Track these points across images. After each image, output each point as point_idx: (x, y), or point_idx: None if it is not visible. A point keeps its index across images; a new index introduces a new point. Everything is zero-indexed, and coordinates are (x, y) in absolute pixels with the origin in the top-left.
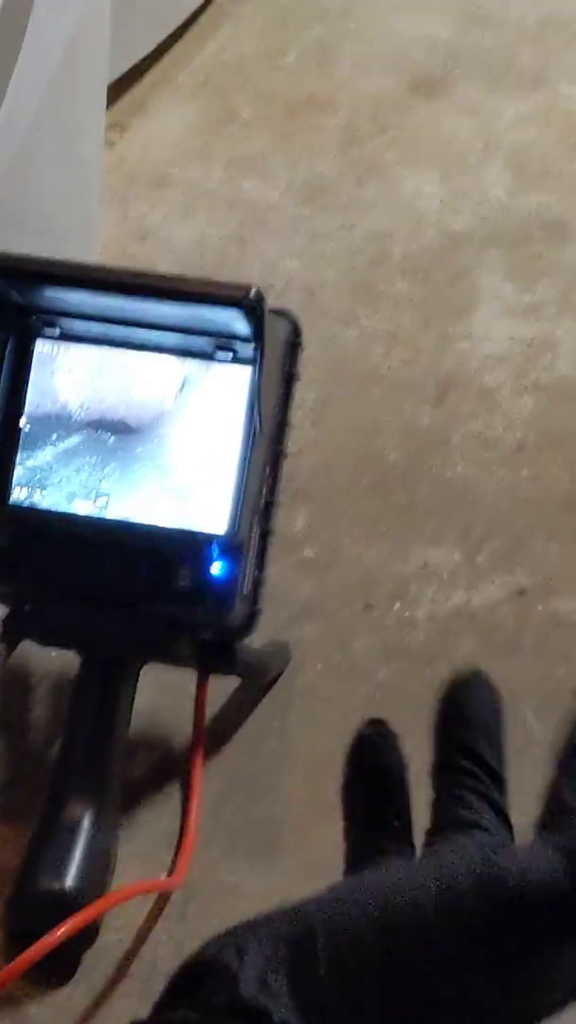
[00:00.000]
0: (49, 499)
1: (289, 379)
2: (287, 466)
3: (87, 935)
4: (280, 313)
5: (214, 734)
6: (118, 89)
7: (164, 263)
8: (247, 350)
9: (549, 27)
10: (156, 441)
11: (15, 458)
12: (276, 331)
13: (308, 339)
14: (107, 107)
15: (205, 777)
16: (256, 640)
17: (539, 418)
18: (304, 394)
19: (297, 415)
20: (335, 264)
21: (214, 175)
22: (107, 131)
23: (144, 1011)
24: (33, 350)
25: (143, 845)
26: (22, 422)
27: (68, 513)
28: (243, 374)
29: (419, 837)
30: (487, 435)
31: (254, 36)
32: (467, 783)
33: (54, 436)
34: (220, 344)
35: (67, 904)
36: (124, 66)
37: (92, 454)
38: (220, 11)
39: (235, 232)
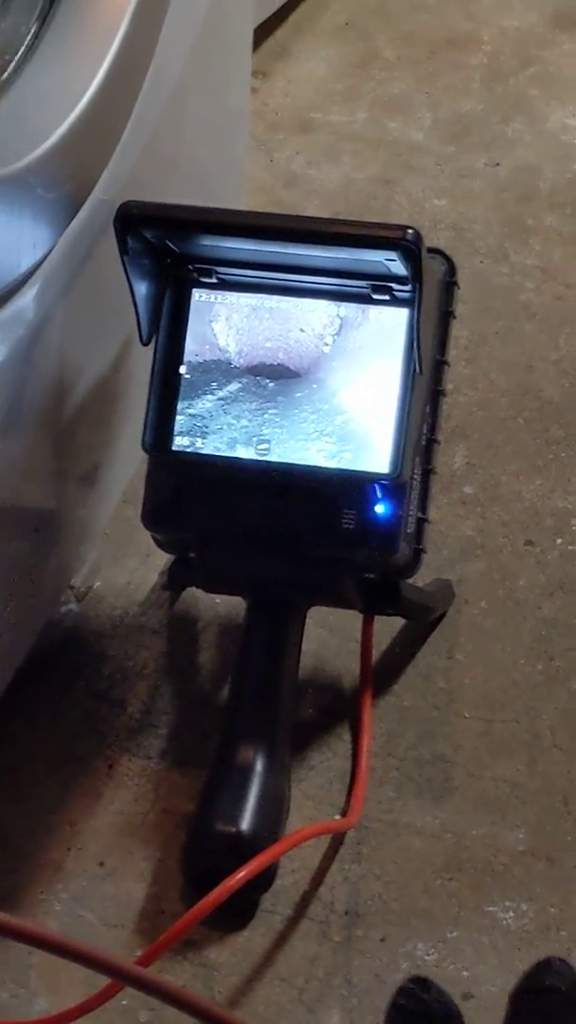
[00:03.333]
0: (211, 446)
1: (446, 318)
2: (444, 404)
3: (264, 878)
4: (435, 252)
5: (381, 674)
6: (260, 35)
7: (311, 207)
8: (404, 291)
9: None
10: (315, 385)
11: (176, 406)
12: (432, 271)
13: (458, 277)
14: None
15: (374, 717)
16: (420, 579)
17: None
18: (456, 332)
19: (451, 353)
20: (482, 201)
21: (358, 117)
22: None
23: (325, 954)
24: (190, 299)
25: (315, 786)
26: (182, 370)
27: (231, 458)
28: (400, 315)
29: None
30: None
31: None
32: None
33: (214, 383)
34: (377, 286)
35: (243, 847)
36: (267, 12)
37: (252, 400)
38: None
39: (381, 173)
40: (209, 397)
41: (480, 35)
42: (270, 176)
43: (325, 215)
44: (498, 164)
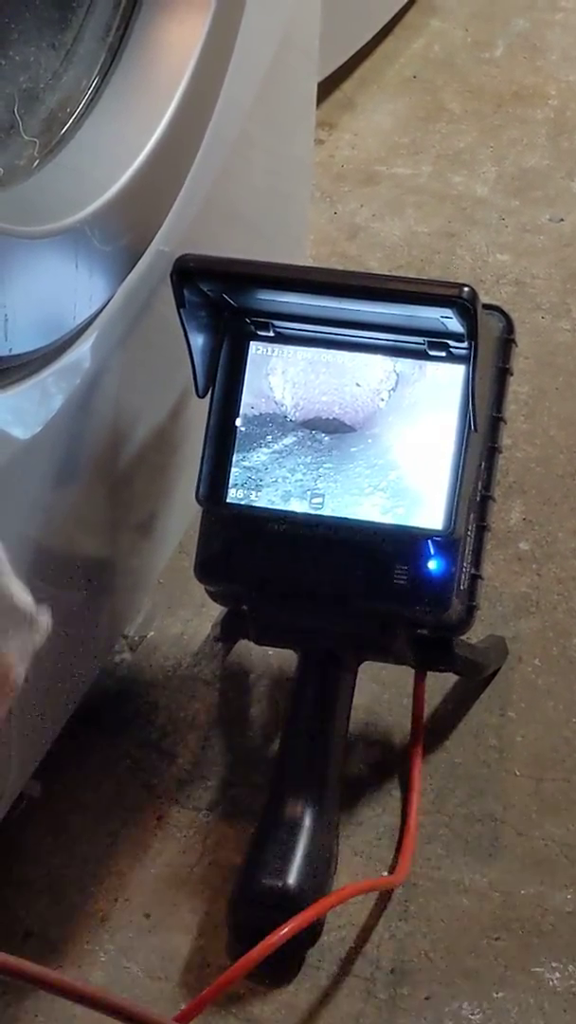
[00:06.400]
0: (265, 499)
1: (502, 375)
2: (500, 460)
3: (311, 933)
4: (492, 309)
5: (433, 730)
6: (327, 87)
7: (374, 260)
8: (461, 348)
9: None
10: (370, 440)
11: (231, 459)
12: (489, 328)
13: (519, 332)
14: (316, 105)
15: (425, 773)
16: (474, 635)
17: None
18: (516, 387)
19: (509, 409)
20: (546, 257)
21: (423, 170)
22: (316, 129)
23: (370, 1011)
24: (247, 352)
25: (364, 842)
26: (238, 423)
27: (284, 511)
28: (457, 372)
29: None
30: None
31: (461, 31)
32: None
33: (269, 437)
34: (433, 343)
35: (290, 902)
36: (333, 64)
37: (307, 454)
38: (427, 7)
39: (444, 227)
40: (264, 450)
41: (547, 89)
42: (334, 228)
43: (387, 268)
44: (562, 219)
